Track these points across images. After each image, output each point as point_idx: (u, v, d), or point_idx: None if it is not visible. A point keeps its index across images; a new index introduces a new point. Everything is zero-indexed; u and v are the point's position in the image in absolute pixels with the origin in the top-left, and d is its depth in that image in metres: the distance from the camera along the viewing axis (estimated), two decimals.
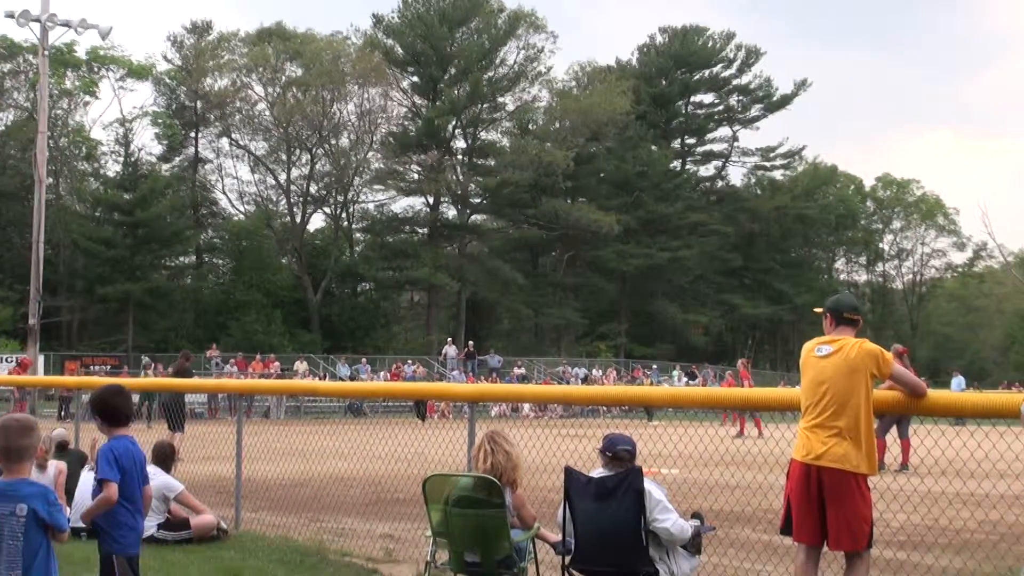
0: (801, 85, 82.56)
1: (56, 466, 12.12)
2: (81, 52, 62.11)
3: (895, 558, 10.01)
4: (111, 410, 6.64)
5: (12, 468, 5.50)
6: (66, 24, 34.51)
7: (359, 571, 9.63)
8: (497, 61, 69.41)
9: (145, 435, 13.91)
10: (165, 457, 11.72)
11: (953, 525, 11.06)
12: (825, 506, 6.70)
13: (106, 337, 58.37)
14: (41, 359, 39.82)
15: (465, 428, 9.96)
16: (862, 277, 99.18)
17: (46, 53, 34.75)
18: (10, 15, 33.55)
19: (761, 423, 30.53)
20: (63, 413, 35.79)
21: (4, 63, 61.31)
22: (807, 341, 7.17)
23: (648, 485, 7.31)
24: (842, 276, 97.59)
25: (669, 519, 7.36)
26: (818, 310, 7.28)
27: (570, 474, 7.51)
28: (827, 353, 6.88)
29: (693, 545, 7.69)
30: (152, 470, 11.49)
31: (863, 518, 6.70)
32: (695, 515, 8.04)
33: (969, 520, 11.31)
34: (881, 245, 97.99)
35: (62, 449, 13.01)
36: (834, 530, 6.69)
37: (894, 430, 20.43)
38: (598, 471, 7.61)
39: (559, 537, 7.75)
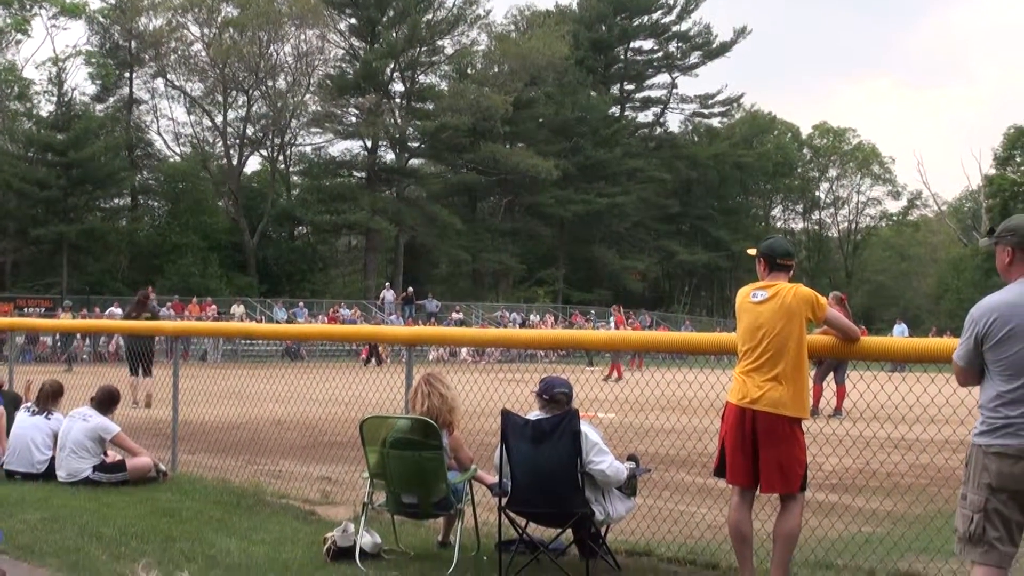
0: (740, 32, 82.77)
1: None
2: None
3: (827, 500, 10.19)
4: None
5: None
6: None
7: (296, 513, 9.66)
8: (436, 4, 68.72)
9: (64, 378, 13.82)
10: (107, 400, 11.64)
11: (884, 468, 11.26)
12: (759, 449, 6.78)
13: (40, 279, 57.65)
14: None
15: (402, 372, 9.98)
16: (799, 225, 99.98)
17: None
18: None
19: (621, 367, 31.42)
20: None
21: None
22: (742, 287, 7.21)
23: (584, 427, 7.37)
24: (779, 223, 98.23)
25: (605, 461, 7.43)
26: (751, 252, 7.26)
27: (507, 416, 7.55)
28: (763, 299, 6.90)
29: (628, 487, 7.77)
30: (86, 411, 11.48)
31: (797, 461, 6.78)
32: (631, 457, 8.12)
33: (900, 463, 11.51)
34: (817, 193, 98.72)
35: None
36: (767, 473, 6.76)
37: (831, 376, 20.74)
38: (535, 413, 7.66)
39: (496, 479, 7.80)
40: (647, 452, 11.27)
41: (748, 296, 7.02)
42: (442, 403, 7.92)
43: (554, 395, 7.64)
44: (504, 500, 7.61)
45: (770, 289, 6.92)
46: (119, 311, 44.21)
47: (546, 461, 7.32)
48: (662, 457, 12.23)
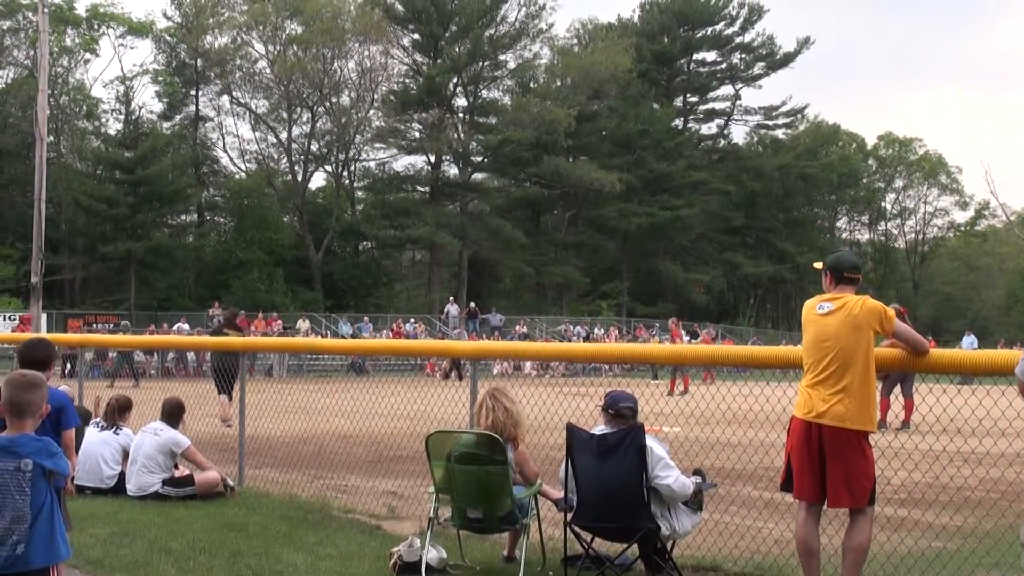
0: (804, 43, 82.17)
1: None
2: (81, 9, 61.88)
3: (896, 515, 10.08)
4: None
5: (15, 423, 5.53)
6: None
7: (362, 527, 9.70)
8: (498, 18, 69.02)
9: (131, 393, 13.95)
10: (174, 413, 11.78)
11: (954, 483, 11.10)
12: (826, 463, 6.72)
13: (108, 295, 58.39)
14: (44, 317, 39.93)
15: (467, 386, 10.00)
16: (864, 236, 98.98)
17: (46, 10, 34.67)
18: None
19: (688, 379, 31.07)
20: (67, 371, 35.92)
21: (4, 20, 61.01)
22: (808, 299, 7.16)
23: (650, 442, 7.36)
24: (844, 235, 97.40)
25: (671, 475, 7.42)
26: (818, 266, 7.23)
27: (572, 431, 7.55)
28: (829, 311, 6.86)
29: (695, 502, 7.75)
30: (158, 425, 11.61)
31: (864, 475, 6.72)
32: (696, 472, 8.08)
33: (970, 478, 11.34)
34: (883, 204, 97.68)
35: None
36: (834, 487, 6.71)
37: (898, 389, 20.52)
38: (600, 428, 7.65)
39: (561, 494, 7.80)
40: (712, 466, 11.23)
41: (814, 308, 6.98)
42: (507, 417, 7.92)
43: (619, 409, 7.63)
44: (570, 515, 7.62)
45: (836, 301, 6.87)
46: (186, 326, 44.73)
47: (612, 476, 7.31)
48: (727, 471, 12.17)
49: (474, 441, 7.74)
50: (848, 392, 6.67)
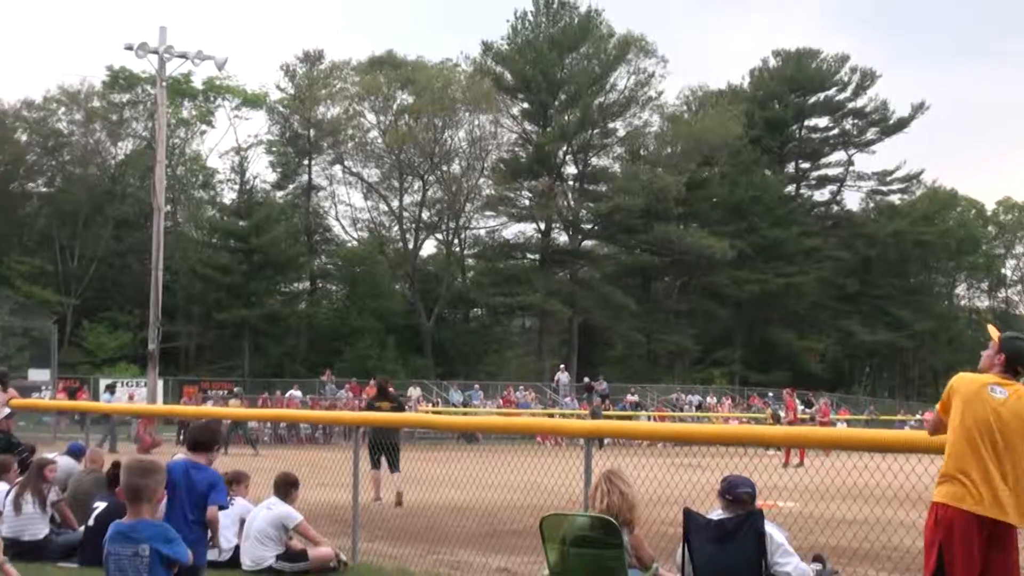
0: (919, 108, 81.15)
1: None
2: (197, 82, 63.46)
3: None
4: None
5: (133, 507, 5.56)
6: (183, 56, 35.23)
7: None
8: (607, 86, 69.31)
9: (220, 461, 13.92)
10: (286, 487, 11.81)
11: None
12: (989, 558, 6.40)
13: (222, 362, 59.26)
14: (160, 384, 40.60)
15: (577, 456, 9.88)
16: (984, 303, 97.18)
17: (164, 84, 35.50)
18: (129, 47, 34.34)
19: (804, 452, 29.83)
20: (182, 438, 36.40)
21: (124, 94, 62.84)
22: (963, 372, 6.79)
23: (769, 528, 7.20)
24: (963, 302, 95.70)
25: (791, 563, 7.23)
26: (994, 332, 6.85)
27: (689, 515, 7.42)
28: (1005, 397, 6.46)
29: None
30: (272, 500, 11.65)
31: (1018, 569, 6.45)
32: (817, 558, 7.90)
33: None
34: (1003, 270, 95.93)
35: None
36: None
37: None
38: (717, 512, 7.50)
39: None
40: (829, 544, 10.91)
41: (986, 388, 6.52)
42: (622, 501, 7.80)
43: (738, 495, 7.47)
44: None
45: (1009, 388, 6.50)
46: (298, 393, 45.10)
47: (730, 562, 7.16)
48: (844, 550, 11.84)
49: (589, 524, 7.62)
50: (1014, 484, 6.36)
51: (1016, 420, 6.39)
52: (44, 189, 62.65)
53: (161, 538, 5.45)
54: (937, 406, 6.80)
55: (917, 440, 7.41)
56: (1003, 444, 6.37)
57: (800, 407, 37.68)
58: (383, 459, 18.37)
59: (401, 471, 18.59)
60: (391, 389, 22.08)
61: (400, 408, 20.35)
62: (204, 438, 8.47)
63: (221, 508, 8.47)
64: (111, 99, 62.50)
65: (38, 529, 12.10)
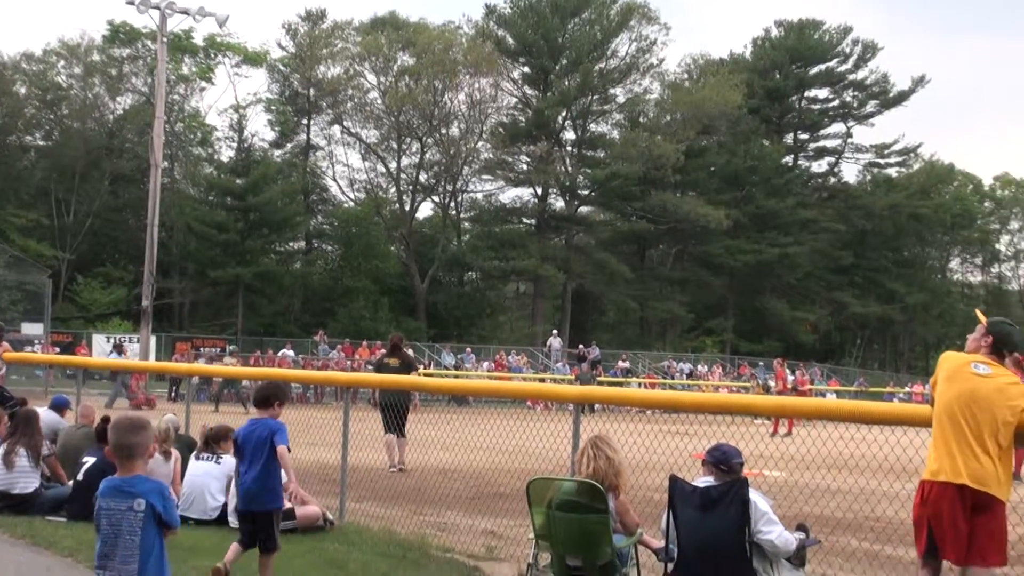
0: (919, 82, 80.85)
1: (175, 455, 12.34)
2: (198, 39, 63.24)
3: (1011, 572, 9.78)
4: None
5: (124, 465, 5.59)
6: (184, 12, 35.20)
7: (461, 568, 9.66)
8: (608, 52, 69.16)
9: (210, 418, 13.94)
10: None
11: None
12: (973, 524, 6.54)
13: (216, 319, 59.33)
14: (153, 340, 40.64)
15: (567, 421, 9.93)
16: (977, 278, 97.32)
17: (164, 40, 35.48)
18: (130, 2, 34.29)
19: (793, 421, 29.76)
20: (173, 394, 36.43)
21: (124, 49, 62.56)
22: (950, 351, 6.95)
23: (754, 496, 7.24)
24: (956, 276, 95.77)
25: (774, 531, 7.28)
26: (982, 317, 7.05)
27: (675, 482, 7.46)
28: (987, 374, 6.65)
29: (797, 558, 7.60)
30: None
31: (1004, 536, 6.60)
32: (800, 527, 7.94)
33: None
34: (997, 246, 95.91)
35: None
36: (980, 547, 6.53)
37: None
38: (703, 480, 7.55)
39: (662, 543, 7.71)
40: (813, 513, 10.98)
41: (969, 366, 6.74)
42: (608, 466, 7.85)
43: (733, 466, 7.51)
44: (670, 566, 7.51)
45: (992, 367, 6.68)
46: (291, 353, 45.16)
47: (714, 529, 7.21)
48: (828, 519, 11.92)
49: (575, 489, 7.67)
50: (992, 456, 6.50)
51: (997, 394, 6.53)
52: (42, 143, 62.49)
53: (158, 493, 5.49)
54: (929, 384, 6.93)
55: (902, 412, 7.49)
56: (983, 417, 6.51)
57: (790, 377, 37.81)
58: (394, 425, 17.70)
59: (407, 438, 17.94)
60: (406, 349, 21.15)
61: (409, 367, 19.15)
62: (264, 394, 8.98)
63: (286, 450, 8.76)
64: (111, 53, 62.20)
65: (29, 483, 12.16)
